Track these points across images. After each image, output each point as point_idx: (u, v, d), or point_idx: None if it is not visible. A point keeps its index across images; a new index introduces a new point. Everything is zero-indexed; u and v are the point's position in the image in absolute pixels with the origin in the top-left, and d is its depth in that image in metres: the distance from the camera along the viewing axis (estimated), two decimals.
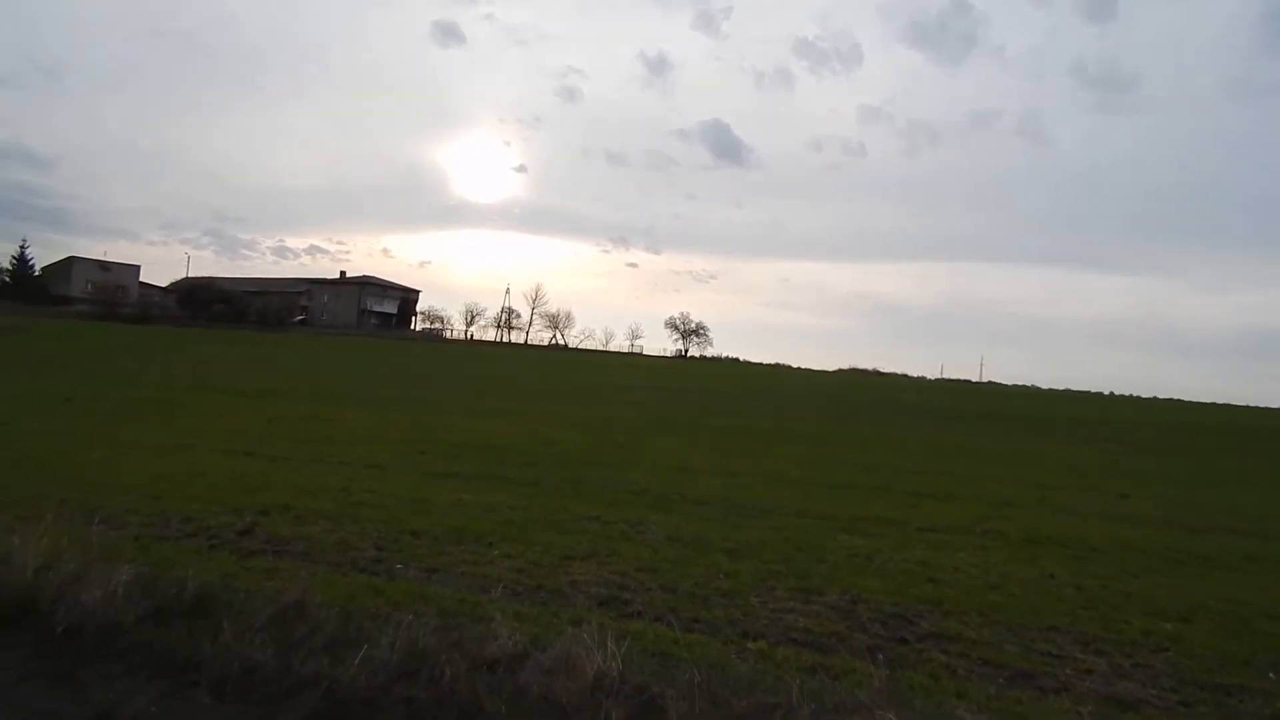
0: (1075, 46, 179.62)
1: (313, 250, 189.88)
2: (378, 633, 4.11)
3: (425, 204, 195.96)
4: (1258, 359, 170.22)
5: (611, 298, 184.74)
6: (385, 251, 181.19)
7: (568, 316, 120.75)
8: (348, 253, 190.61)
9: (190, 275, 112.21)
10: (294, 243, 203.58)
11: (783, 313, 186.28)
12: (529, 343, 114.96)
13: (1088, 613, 6.15)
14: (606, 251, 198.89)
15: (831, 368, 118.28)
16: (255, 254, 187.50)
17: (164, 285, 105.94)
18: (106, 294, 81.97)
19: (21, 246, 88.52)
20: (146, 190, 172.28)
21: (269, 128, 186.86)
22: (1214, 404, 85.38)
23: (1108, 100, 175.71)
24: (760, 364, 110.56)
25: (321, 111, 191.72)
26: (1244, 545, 9.44)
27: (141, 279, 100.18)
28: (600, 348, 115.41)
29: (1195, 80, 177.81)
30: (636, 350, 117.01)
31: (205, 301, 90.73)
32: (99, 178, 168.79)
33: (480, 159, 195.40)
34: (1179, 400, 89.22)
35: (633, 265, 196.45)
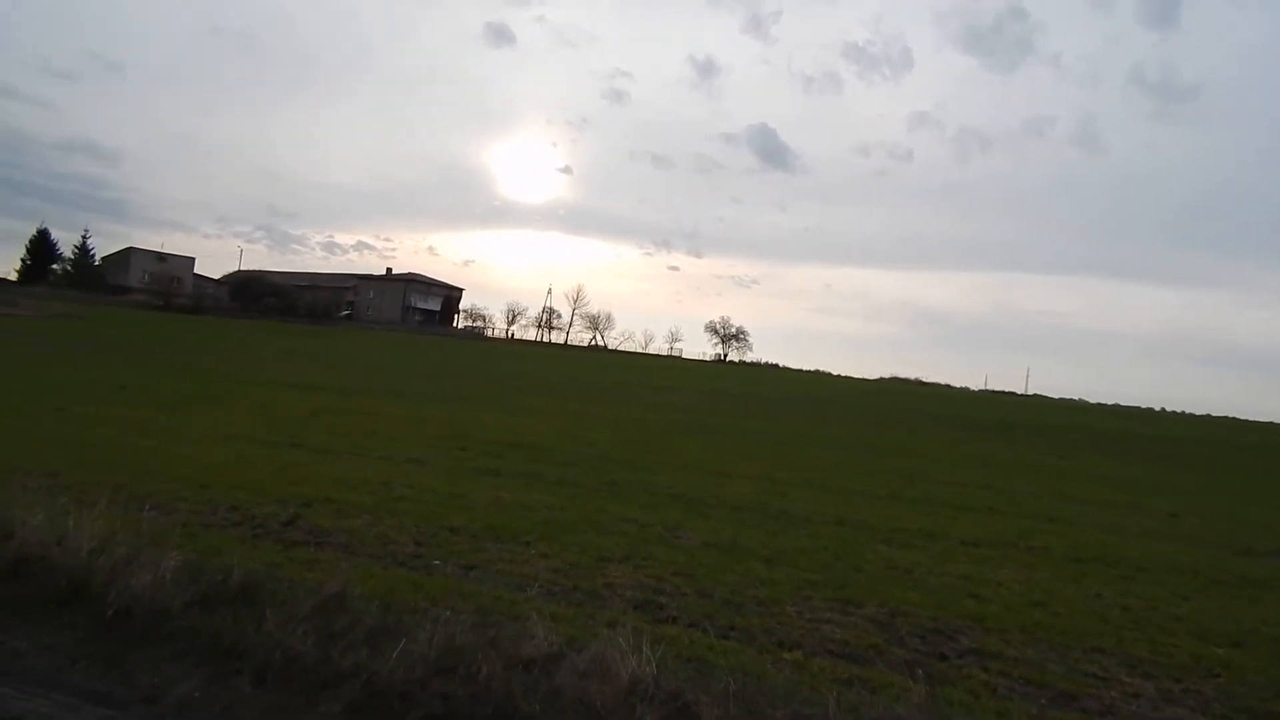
0: (1134, 53, 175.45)
1: (360, 247, 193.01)
2: (416, 627, 4.16)
3: (471, 203, 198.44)
4: None
5: (652, 300, 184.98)
6: (430, 249, 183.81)
7: (608, 318, 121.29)
8: (394, 250, 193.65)
9: (242, 268, 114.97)
10: (342, 239, 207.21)
11: (825, 319, 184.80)
12: (569, 343, 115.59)
13: (1134, 634, 5.98)
14: (649, 254, 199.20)
15: (873, 376, 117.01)
16: (305, 249, 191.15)
17: (217, 277, 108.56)
18: (162, 284, 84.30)
19: (84, 237, 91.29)
20: (202, 184, 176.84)
21: (321, 125, 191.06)
22: (1268, 422, 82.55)
23: (1166, 109, 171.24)
24: (800, 370, 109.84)
25: (372, 110, 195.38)
26: None
27: (196, 271, 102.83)
28: (640, 350, 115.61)
29: (1255, 89, 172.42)
30: (676, 353, 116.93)
31: (256, 294, 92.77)
32: (158, 171, 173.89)
33: (526, 159, 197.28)
34: (1232, 417, 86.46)
35: (674, 268, 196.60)
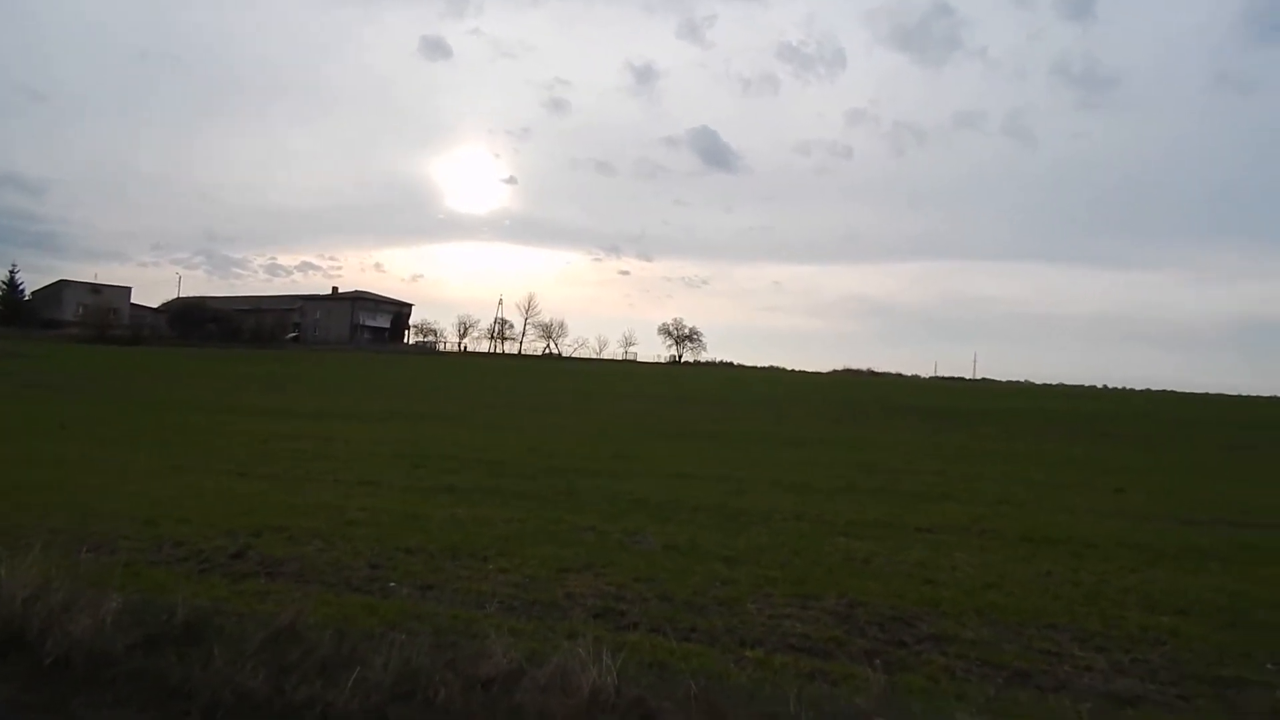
0: (1057, 46, 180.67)
1: (305, 267, 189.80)
2: (372, 653, 4.07)
3: (416, 218, 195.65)
4: (1249, 350, 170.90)
5: (604, 306, 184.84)
6: (377, 266, 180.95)
7: (561, 326, 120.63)
8: (339, 268, 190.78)
9: (182, 295, 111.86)
10: (285, 260, 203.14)
11: (776, 316, 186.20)
12: (523, 353, 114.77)
13: (1085, 609, 6.13)
14: (598, 260, 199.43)
15: (826, 369, 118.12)
16: (247, 272, 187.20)
17: (155, 306, 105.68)
18: (98, 316, 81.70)
19: (11, 271, 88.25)
20: (136, 212, 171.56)
21: (258, 147, 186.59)
22: (1206, 394, 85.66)
23: (1090, 98, 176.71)
24: (755, 367, 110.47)
25: (311, 129, 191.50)
26: (1240, 536, 9.45)
27: (133, 300, 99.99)
28: (594, 356, 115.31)
29: (1174, 76, 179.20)
30: (630, 357, 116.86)
31: (197, 321, 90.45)
32: (88, 201, 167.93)
33: (470, 171, 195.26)
34: (1171, 392, 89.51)
35: (625, 273, 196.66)
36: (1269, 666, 5.05)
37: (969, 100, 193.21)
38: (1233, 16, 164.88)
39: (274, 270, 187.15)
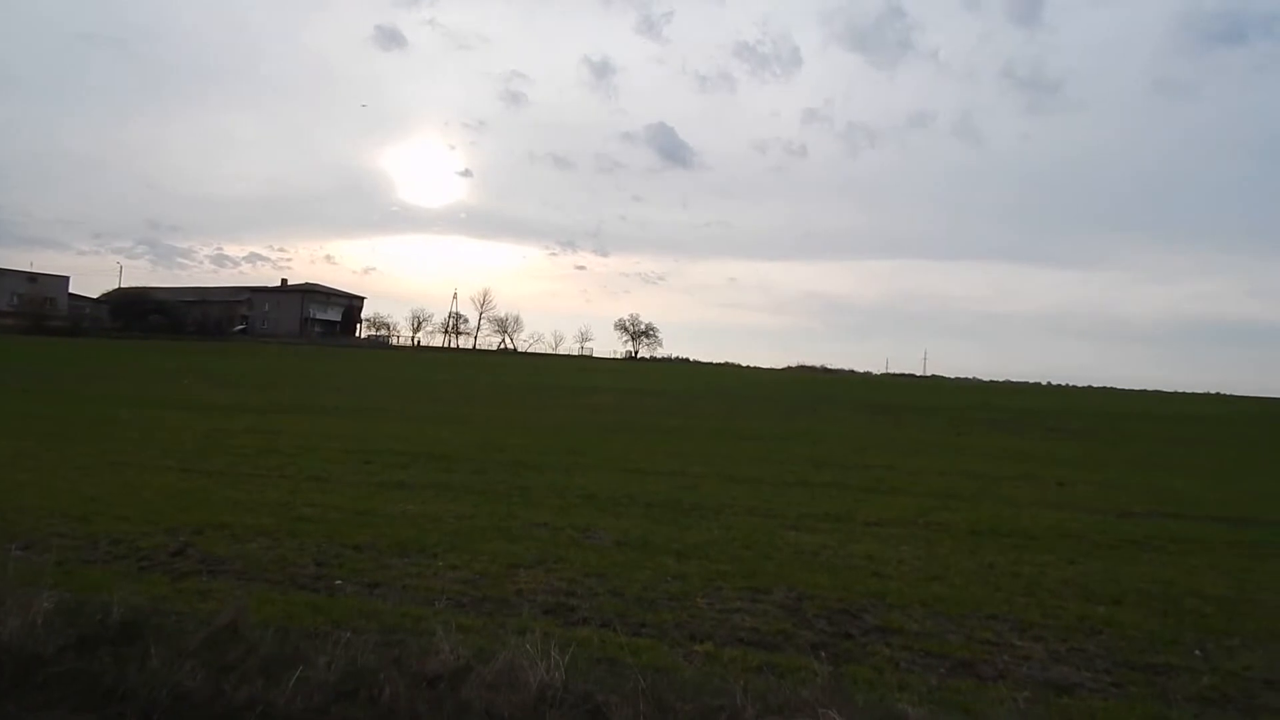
0: (1006, 50, 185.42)
1: (253, 258, 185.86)
2: (316, 652, 4.00)
3: (369, 210, 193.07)
4: (1184, 347, 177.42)
5: (561, 301, 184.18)
6: (329, 258, 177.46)
7: (516, 320, 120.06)
8: (289, 260, 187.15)
9: (123, 286, 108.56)
10: (233, 251, 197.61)
11: (732, 312, 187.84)
12: (477, 348, 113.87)
13: (1026, 600, 6.30)
14: (554, 255, 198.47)
15: (781, 365, 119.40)
16: (192, 263, 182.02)
17: (96, 296, 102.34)
18: (33, 306, 78.97)
19: None
20: (75, 199, 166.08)
21: (205, 133, 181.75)
22: (1147, 391, 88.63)
23: (1038, 101, 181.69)
24: (710, 363, 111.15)
25: (260, 116, 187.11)
26: (1173, 528, 9.79)
27: (72, 290, 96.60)
28: (550, 351, 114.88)
29: (1116, 81, 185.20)
30: (586, 353, 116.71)
31: (140, 312, 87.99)
32: (23, 186, 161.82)
33: (424, 163, 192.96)
34: (1112, 389, 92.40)
35: (581, 268, 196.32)
36: (1196, 653, 5.24)
37: (920, 101, 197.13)
38: (1171, 23, 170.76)
39: (221, 261, 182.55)
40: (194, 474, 10.83)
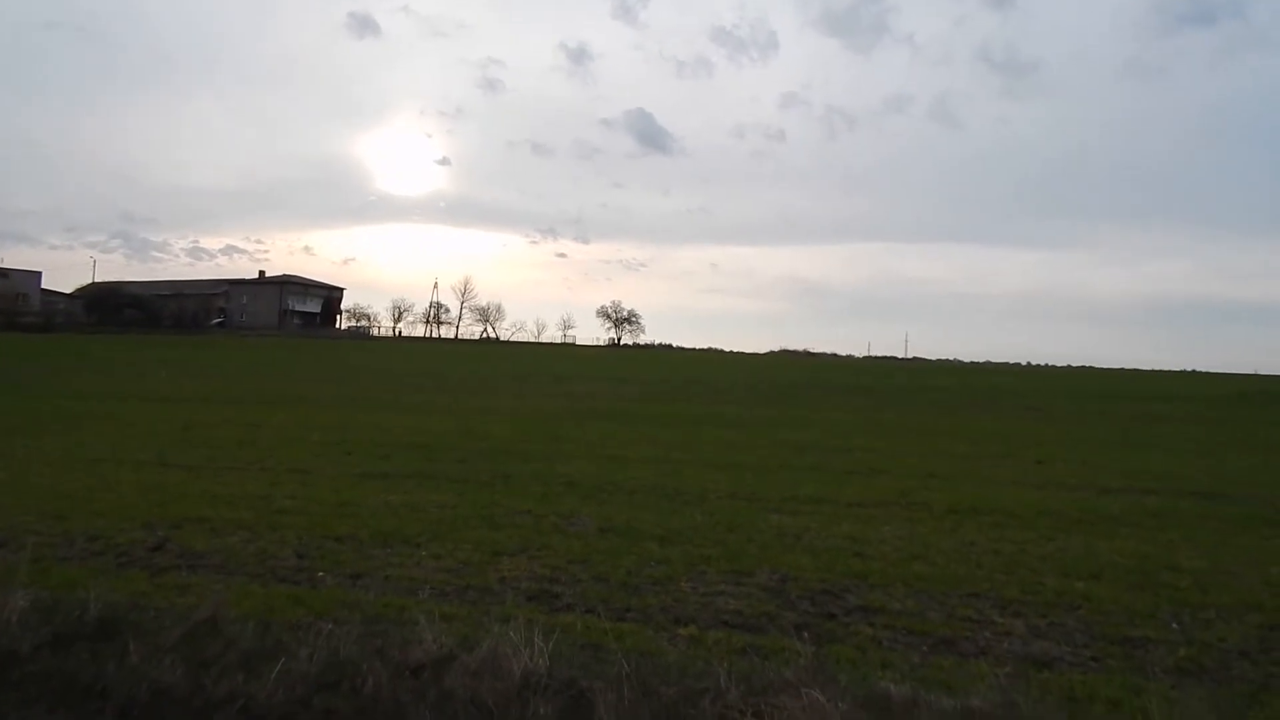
0: (980, 33, 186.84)
1: (229, 250, 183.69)
2: (297, 644, 3.97)
3: (346, 200, 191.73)
4: (1162, 326, 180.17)
5: (542, 289, 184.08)
6: (307, 249, 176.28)
7: (498, 309, 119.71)
8: (266, 252, 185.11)
9: (97, 280, 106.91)
10: (209, 243, 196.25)
11: (714, 298, 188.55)
12: (459, 337, 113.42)
13: (1006, 577, 6.37)
14: (535, 243, 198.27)
15: (763, 350, 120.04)
16: (168, 256, 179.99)
17: (69, 292, 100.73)
18: (5, 302, 77.58)
19: None
20: (46, 191, 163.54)
21: (177, 124, 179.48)
22: (1122, 369, 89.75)
23: (1012, 84, 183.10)
24: (693, 349, 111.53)
25: (233, 106, 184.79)
26: (1150, 503, 9.93)
27: (44, 285, 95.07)
28: (532, 339, 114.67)
29: (1088, 64, 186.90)
30: (569, 340, 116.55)
31: (115, 306, 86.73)
32: None
33: (402, 152, 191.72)
34: (1088, 368, 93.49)
35: (562, 255, 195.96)
36: (1173, 626, 5.33)
37: (897, 85, 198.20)
38: (1142, 7, 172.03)
39: (197, 254, 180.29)
40: (171, 468, 10.71)
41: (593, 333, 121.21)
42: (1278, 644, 5.01)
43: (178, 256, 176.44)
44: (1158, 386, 54.71)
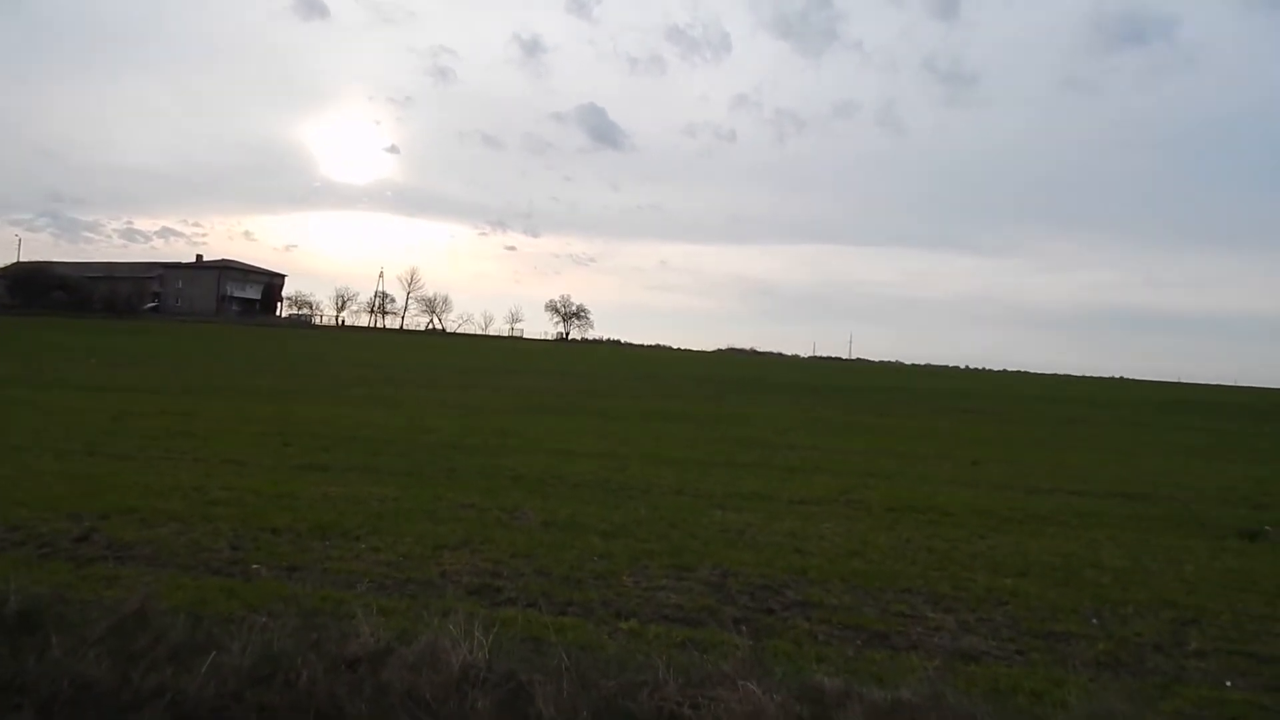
0: (926, 43, 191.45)
1: (165, 233, 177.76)
2: (229, 638, 3.88)
3: (290, 185, 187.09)
4: (1093, 334, 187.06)
5: (491, 281, 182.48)
6: (247, 234, 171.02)
7: (445, 301, 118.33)
8: (205, 236, 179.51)
9: (22, 260, 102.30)
10: (144, 225, 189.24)
11: (662, 294, 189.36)
12: (405, 328, 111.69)
13: (938, 573, 6.56)
14: (484, 234, 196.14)
15: (710, 348, 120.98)
16: (99, 237, 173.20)
17: None
18: None
19: None
20: None
21: (108, 101, 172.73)
22: (1055, 375, 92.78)
23: (956, 94, 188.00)
24: (641, 345, 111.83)
25: (169, 85, 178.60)
26: (1077, 504, 10.32)
27: None
28: (480, 332, 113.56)
29: (1027, 77, 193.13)
30: (517, 334, 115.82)
31: (41, 288, 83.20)
32: None
33: (349, 138, 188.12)
34: (1025, 372, 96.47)
35: (511, 248, 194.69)
36: (1094, 621, 5.56)
37: (846, 91, 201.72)
38: (1080, 24, 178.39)
39: (131, 236, 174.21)
40: (100, 457, 10.34)
41: (541, 327, 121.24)
42: (1190, 638, 5.27)
43: (110, 238, 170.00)
44: (1087, 391, 56.73)
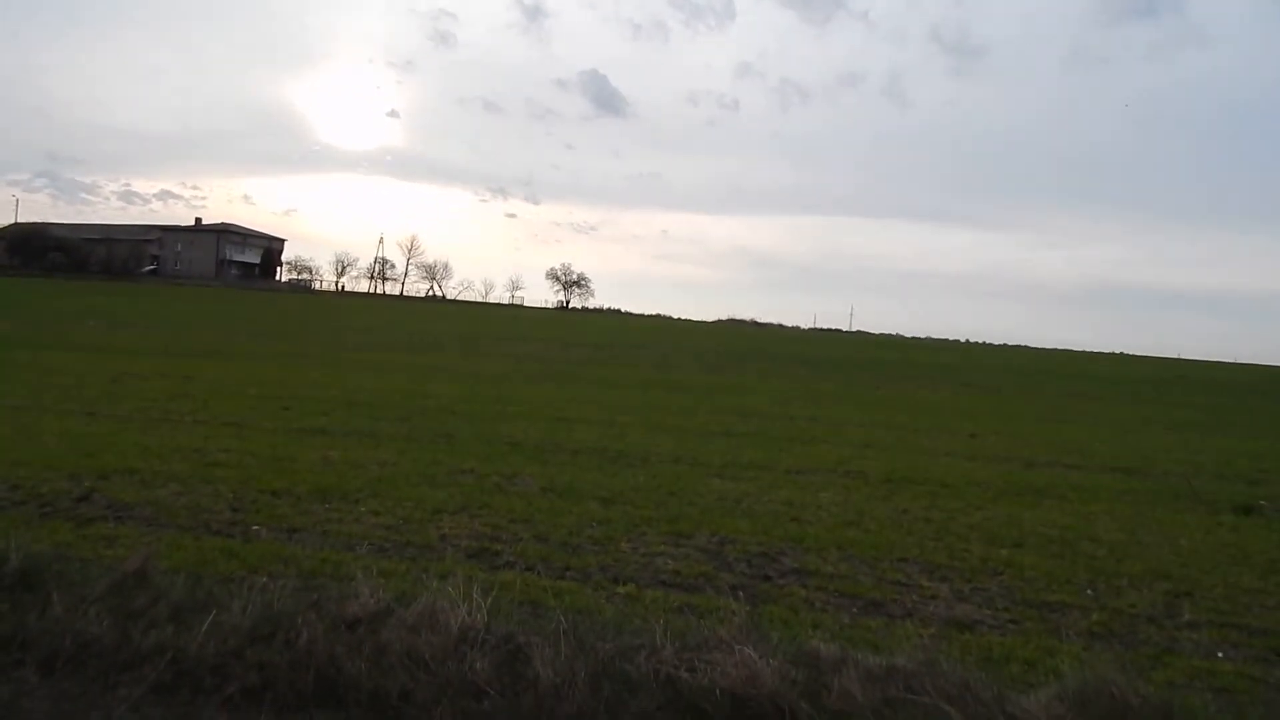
0: (933, 14, 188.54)
1: (164, 196, 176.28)
2: (229, 597, 3.90)
3: (290, 148, 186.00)
4: (1096, 309, 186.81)
5: (491, 248, 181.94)
6: (246, 198, 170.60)
7: (445, 267, 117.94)
8: (204, 199, 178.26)
9: (20, 221, 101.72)
10: (142, 187, 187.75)
11: (663, 264, 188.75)
12: (405, 294, 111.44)
13: (934, 543, 6.59)
14: (485, 201, 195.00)
15: (710, 318, 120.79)
16: (98, 199, 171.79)
17: None
18: None
19: None
20: None
21: (109, 61, 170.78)
22: (1055, 349, 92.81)
23: (963, 66, 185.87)
24: (641, 315, 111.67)
25: (169, 43, 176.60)
26: (1073, 477, 10.36)
27: None
28: (480, 299, 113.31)
29: (1035, 50, 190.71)
30: (517, 302, 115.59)
31: (39, 250, 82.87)
32: None
33: (349, 102, 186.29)
34: (1026, 347, 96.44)
35: (512, 215, 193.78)
36: (1088, 592, 5.59)
37: (851, 61, 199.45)
38: None
39: (129, 198, 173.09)
40: (100, 418, 10.36)
41: (541, 295, 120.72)
42: (1183, 610, 5.30)
43: (108, 200, 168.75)
44: (1087, 367, 56.78)
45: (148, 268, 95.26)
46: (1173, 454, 13.38)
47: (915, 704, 3.29)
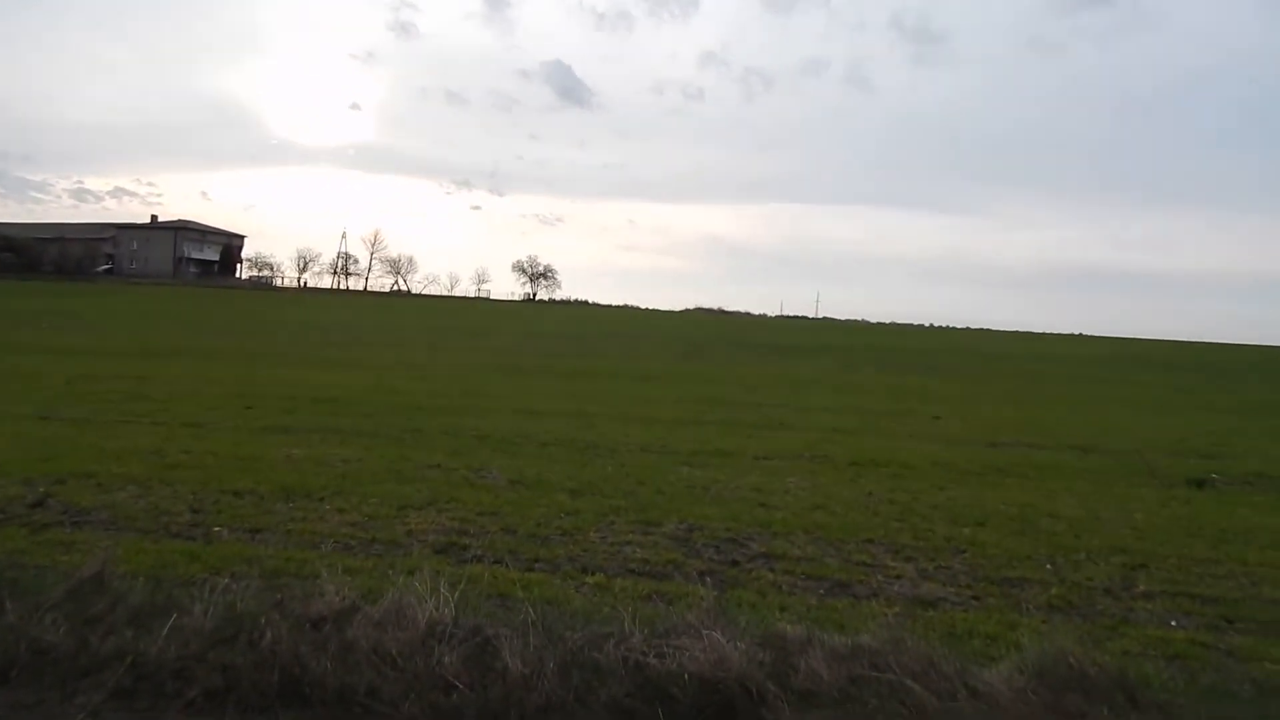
0: (894, 1, 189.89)
1: (118, 193, 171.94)
2: (190, 600, 3.84)
3: (248, 143, 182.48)
4: (1053, 291, 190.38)
5: (456, 241, 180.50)
6: (204, 194, 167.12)
7: (410, 261, 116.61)
8: (160, 195, 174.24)
9: None
10: (95, 184, 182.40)
11: (630, 255, 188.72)
12: (369, 289, 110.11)
13: (899, 524, 6.69)
14: (449, 194, 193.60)
15: (678, 307, 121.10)
16: (49, 197, 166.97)
17: None
18: None
19: None
20: None
21: (56, 54, 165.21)
22: (1016, 332, 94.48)
23: (923, 53, 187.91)
24: (609, 305, 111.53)
25: (122, 37, 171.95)
26: (1035, 456, 10.58)
27: None
28: (445, 293, 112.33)
29: (992, 37, 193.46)
30: (484, 295, 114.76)
31: None
32: None
33: (309, 94, 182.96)
34: (988, 330, 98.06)
35: (477, 208, 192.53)
36: (1047, 567, 5.72)
37: (814, 48, 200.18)
38: None
39: (81, 196, 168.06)
40: (54, 422, 10.11)
41: (508, 287, 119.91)
42: (1139, 582, 5.45)
43: (59, 198, 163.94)
44: (1046, 348, 57.89)
45: (103, 267, 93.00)
46: (1129, 431, 13.70)
47: (880, 681, 3.34)
